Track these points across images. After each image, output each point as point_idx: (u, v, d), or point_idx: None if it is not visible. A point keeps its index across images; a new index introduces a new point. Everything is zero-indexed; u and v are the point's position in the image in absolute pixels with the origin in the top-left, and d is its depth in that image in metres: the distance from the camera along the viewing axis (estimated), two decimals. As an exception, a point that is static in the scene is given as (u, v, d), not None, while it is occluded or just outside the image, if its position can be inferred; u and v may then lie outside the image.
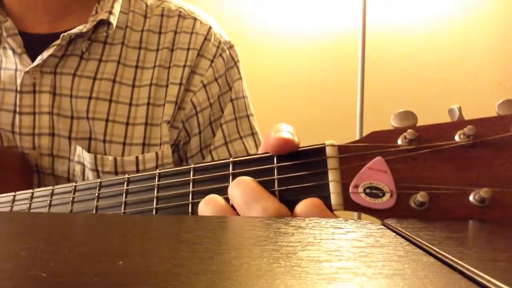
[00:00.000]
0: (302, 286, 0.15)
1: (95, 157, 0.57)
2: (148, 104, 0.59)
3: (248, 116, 0.65)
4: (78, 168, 0.58)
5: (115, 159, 0.57)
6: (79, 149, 0.58)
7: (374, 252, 0.19)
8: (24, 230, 0.25)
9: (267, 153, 0.34)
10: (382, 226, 0.25)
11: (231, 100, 0.64)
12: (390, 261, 0.18)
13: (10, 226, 0.26)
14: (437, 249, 0.19)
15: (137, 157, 0.58)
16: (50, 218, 0.31)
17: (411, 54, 1.67)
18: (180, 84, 0.60)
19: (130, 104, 0.60)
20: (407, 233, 0.23)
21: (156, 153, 0.58)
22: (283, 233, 0.23)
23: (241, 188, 0.32)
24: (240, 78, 0.66)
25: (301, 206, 0.31)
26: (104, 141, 0.58)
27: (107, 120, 0.58)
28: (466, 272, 0.17)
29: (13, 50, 0.59)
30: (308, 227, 0.24)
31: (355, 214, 1.47)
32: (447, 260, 0.18)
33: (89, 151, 0.58)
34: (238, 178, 0.33)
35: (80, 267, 0.17)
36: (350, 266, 0.17)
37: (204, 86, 0.61)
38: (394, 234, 0.23)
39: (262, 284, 0.15)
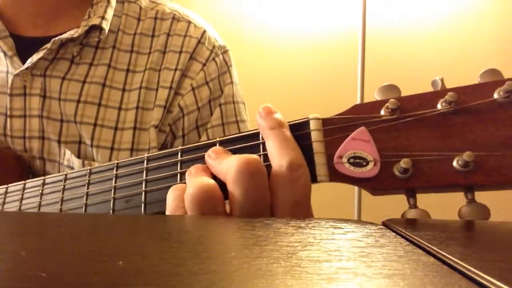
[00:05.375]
0: (302, 286, 0.15)
1: (83, 163, 0.56)
2: (137, 108, 0.58)
3: (237, 122, 0.62)
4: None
5: None
6: (68, 153, 0.57)
7: (374, 252, 0.19)
8: (24, 230, 0.25)
9: (253, 130, 0.35)
10: (382, 226, 0.25)
11: (220, 105, 0.61)
12: (390, 261, 0.18)
13: (10, 226, 0.26)
14: (437, 249, 0.19)
15: None
16: (50, 218, 0.31)
17: (411, 54, 1.67)
18: (170, 88, 0.59)
19: (120, 109, 0.58)
20: (407, 233, 0.23)
21: None
22: (283, 233, 0.23)
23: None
24: (232, 82, 0.63)
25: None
26: (92, 145, 0.57)
27: (95, 125, 0.57)
28: (466, 272, 0.17)
29: (4, 53, 0.58)
30: (308, 227, 0.24)
31: (355, 214, 1.48)
32: (447, 260, 0.18)
33: (78, 155, 0.57)
34: (212, 148, 0.34)
35: (80, 267, 0.17)
36: (350, 266, 0.17)
37: (193, 89, 0.60)
38: (394, 234, 0.23)
39: (262, 284, 0.15)
